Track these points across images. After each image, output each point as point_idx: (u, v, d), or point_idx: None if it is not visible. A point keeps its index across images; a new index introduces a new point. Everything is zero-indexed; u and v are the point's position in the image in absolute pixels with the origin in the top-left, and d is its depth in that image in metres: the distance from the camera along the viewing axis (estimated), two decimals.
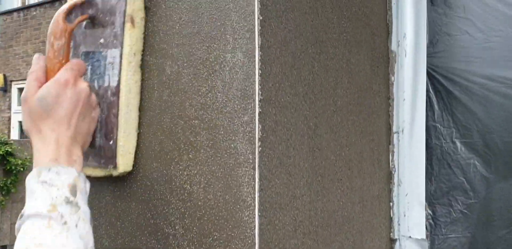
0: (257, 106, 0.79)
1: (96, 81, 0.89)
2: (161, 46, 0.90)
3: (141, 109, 0.91)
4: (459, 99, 1.14)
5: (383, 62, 1.18)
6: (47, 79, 0.77)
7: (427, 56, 1.16)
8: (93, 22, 0.89)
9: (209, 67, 0.84)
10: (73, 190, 0.70)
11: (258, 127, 0.79)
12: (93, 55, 0.90)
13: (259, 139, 0.79)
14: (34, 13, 10.11)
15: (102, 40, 0.89)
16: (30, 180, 0.71)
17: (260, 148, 0.79)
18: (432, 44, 1.17)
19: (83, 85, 0.78)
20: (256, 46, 0.78)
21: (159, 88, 0.90)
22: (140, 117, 0.91)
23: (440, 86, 1.17)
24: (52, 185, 0.69)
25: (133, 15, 0.87)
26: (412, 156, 1.19)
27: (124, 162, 0.89)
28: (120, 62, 0.87)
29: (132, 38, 0.87)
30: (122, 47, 0.86)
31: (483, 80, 1.11)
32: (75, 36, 0.90)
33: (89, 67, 0.90)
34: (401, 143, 1.20)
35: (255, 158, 0.79)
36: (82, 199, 0.72)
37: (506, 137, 1.10)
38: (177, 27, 0.88)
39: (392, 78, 1.20)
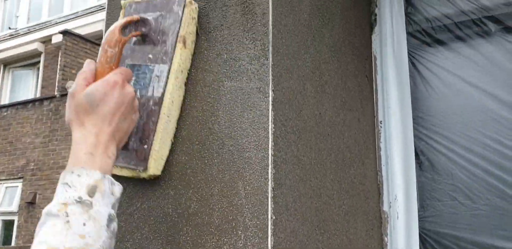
0: None
1: (139, 91, 0.94)
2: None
3: (178, 122, 0.95)
4: None
5: (377, 223, 1.21)
6: (95, 80, 0.81)
7: (419, 220, 1.20)
8: (143, 39, 0.96)
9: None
10: (92, 191, 0.71)
11: None
12: (139, 68, 0.96)
13: None
14: (5, 113, 10.13)
15: (150, 56, 0.96)
16: (58, 183, 0.73)
17: None
18: (423, 208, 1.22)
19: (130, 88, 0.82)
20: (269, 245, 0.79)
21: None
22: (176, 129, 0.95)
23: None
24: (71, 186, 0.71)
25: (185, 36, 0.95)
26: None
27: (155, 166, 0.92)
28: (167, 76, 0.93)
29: (182, 56, 0.94)
30: (171, 63, 0.93)
31: (473, 247, 1.14)
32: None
33: (133, 78, 0.95)
34: None
35: None
36: (101, 200, 0.71)
37: None
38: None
39: (386, 238, 1.22)
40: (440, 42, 1.28)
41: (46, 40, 13.78)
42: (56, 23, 13.63)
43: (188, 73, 0.97)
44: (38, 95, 13.03)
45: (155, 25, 0.96)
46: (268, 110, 0.84)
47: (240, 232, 0.81)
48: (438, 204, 1.21)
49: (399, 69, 1.30)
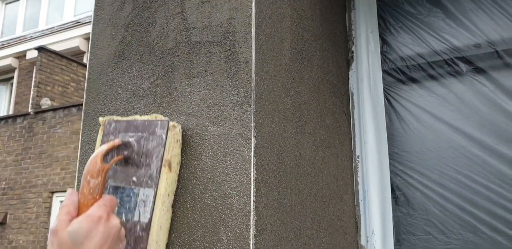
0: None
1: (124, 215, 0.92)
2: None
3: (168, 245, 0.93)
4: None
5: None
6: (78, 213, 0.80)
7: None
8: (126, 161, 0.95)
9: None
10: None
11: None
12: (123, 190, 0.94)
13: None
14: None
15: (134, 178, 0.94)
16: None
17: None
18: (399, 242, 1.25)
19: (115, 221, 0.80)
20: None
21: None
22: None
23: None
24: None
25: (170, 160, 0.93)
26: None
27: None
28: (154, 201, 0.91)
29: (168, 180, 0.93)
30: (157, 188, 0.92)
31: None
32: None
33: (117, 200, 0.91)
34: None
35: None
36: None
37: None
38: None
39: None
40: (414, 80, 1.33)
41: (20, 56, 13.62)
42: (31, 38, 13.50)
43: (174, 195, 0.95)
44: (11, 111, 12.82)
45: (138, 148, 0.94)
46: (251, 156, 0.86)
47: None
48: (413, 238, 1.24)
49: (375, 105, 1.34)
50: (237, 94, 0.90)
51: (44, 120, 9.02)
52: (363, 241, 1.26)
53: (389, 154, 1.31)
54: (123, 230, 0.83)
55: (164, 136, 0.93)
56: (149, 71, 1.03)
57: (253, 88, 0.89)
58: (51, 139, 8.80)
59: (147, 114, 1.00)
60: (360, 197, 1.30)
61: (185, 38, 0.99)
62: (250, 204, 0.83)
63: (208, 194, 0.89)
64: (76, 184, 1.07)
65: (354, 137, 1.35)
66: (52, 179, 8.57)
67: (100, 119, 1.02)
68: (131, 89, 1.04)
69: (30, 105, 9.67)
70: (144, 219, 0.91)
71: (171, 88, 0.99)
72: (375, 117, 1.34)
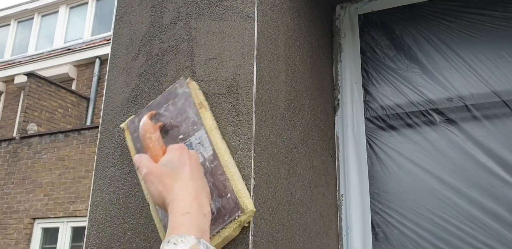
0: None
1: None
2: None
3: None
4: None
5: None
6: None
7: None
8: (166, 131, 1.05)
9: None
10: None
11: None
12: None
13: None
14: None
15: (181, 136, 1.03)
16: None
17: None
18: None
19: (192, 150, 0.93)
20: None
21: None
22: None
23: None
24: None
25: (202, 103, 1.06)
26: None
27: (248, 201, 0.95)
28: (208, 136, 1.00)
29: (210, 117, 1.04)
30: (204, 126, 1.01)
31: None
32: None
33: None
34: None
35: None
36: None
37: None
38: None
39: None
40: (394, 128, 1.48)
41: (8, 80, 13.66)
42: (20, 63, 13.58)
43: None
44: None
45: (170, 113, 1.07)
46: (250, 195, 0.98)
47: None
48: None
49: (358, 149, 1.48)
50: (239, 140, 1.03)
51: (29, 145, 9.02)
52: None
53: (370, 193, 1.44)
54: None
55: (187, 90, 1.06)
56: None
57: (253, 135, 1.03)
58: (35, 164, 8.79)
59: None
60: (344, 232, 1.42)
61: None
62: (249, 238, 0.95)
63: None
64: (88, 214, 1.18)
65: (338, 177, 1.48)
66: (34, 205, 8.51)
67: (122, 125, 1.16)
68: None
69: (16, 130, 9.68)
70: (209, 154, 0.99)
71: None
72: (358, 160, 1.47)
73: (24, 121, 9.52)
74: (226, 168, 0.97)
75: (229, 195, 0.95)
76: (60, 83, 11.22)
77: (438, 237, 1.34)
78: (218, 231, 0.94)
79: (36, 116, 9.89)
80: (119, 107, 1.23)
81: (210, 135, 1.01)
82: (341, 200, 1.46)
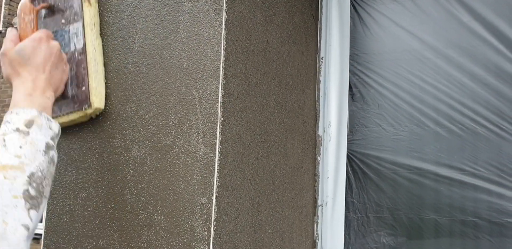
0: (214, 190, 0.94)
1: (62, 49, 1.03)
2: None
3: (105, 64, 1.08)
4: (373, 180, 1.36)
5: (311, 144, 1.38)
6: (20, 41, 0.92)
7: (348, 142, 1.39)
8: (52, 10, 1.09)
9: (173, 154, 0.98)
10: (29, 124, 0.81)
11: (214, 209, 0.93)
12: (56, 33, 1.08)
13: (214, 219, 0.93)
14: None
15: (63, 21, 1.08)
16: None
17: (215, 227, 0.93)
18: (352, 132, 1.40)
19: (54, 42, 0.94)
20: (217, 141, 0.94)
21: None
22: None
23: (357, 168, 1.39)
24: (10, 122, 0.81)
25: None
26: (333, 226, 1.38)
27: (97, 100, 1.05)
28: (83, 30, 1.06)
29: (91, 12, 1.08)
30: (83, 19, 1.06)
31: (392, 166, 1.34)
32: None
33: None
34: (324, 215, 1.39)
35: (210, 235, 0.92)
36: (38, 131, 0.82)
37: (410, 214, 1.33)
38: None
39: (318, 158, 1.40)
40: None
41: None
42: None
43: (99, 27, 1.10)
44: None
45: None
46: (221, 29, 0.96)
47: (194, 131, 0.95)
48: (365, 129, 1.39)
49: (341, 10, 1.44)
50: None
51: None
52: (320, 131, 1.41)
53: (350, 55, 1.42)
54: (64, 54, 0.96)
55: None
56: None
57: None
58: None
59: None
60: (321, 93, 1.42)
61: None
62: (219, 70, 0.95)
63: (183, 60, 0.99)
64: None
65: (320, 39, 1.46)
66: None
67: None
68: None
69: (1, 24, 9.40)
70: (79, 45, 1.05)
71: None
72: (340, 22, 1.44)
73: (9, 14, 9.19)
74: (90, 65, 1.04)
75: (83, 88, 1.03)
76: None
77: (414, 96, 1.35)
78: (68, 113, 1.04)
79: None
80: None
81: (87, 30, 1.06)
82: (320, 62, 1.45)
